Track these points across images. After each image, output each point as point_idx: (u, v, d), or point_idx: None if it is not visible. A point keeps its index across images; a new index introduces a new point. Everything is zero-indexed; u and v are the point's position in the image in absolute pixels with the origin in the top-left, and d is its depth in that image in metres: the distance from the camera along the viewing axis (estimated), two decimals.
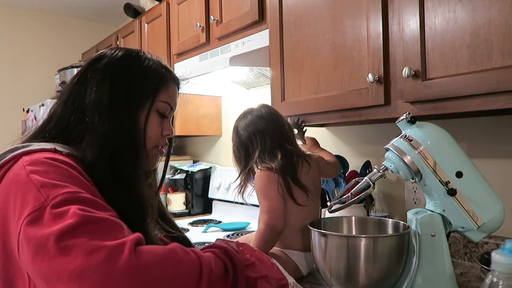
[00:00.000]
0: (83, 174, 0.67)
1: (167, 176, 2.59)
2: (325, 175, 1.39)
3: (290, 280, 0.75)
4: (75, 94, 0.78)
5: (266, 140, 1.23)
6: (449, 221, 0.92)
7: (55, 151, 0.69)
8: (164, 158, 0.93)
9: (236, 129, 1.31)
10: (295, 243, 1.19)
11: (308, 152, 1.33)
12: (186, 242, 0.91)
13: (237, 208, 2.17)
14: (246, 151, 1.26)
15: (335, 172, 1.42)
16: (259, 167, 1.22)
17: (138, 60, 0.82)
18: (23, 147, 0.70)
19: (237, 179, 1.29)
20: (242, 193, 1.28)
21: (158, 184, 0.95)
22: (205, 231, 1.92)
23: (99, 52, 0.83)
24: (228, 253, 0.66)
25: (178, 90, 0.90)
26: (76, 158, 0.71)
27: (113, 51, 0.82)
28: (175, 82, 0.88)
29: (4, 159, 0.68)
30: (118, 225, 0.58)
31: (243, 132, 1.27)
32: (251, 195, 1.28)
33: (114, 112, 0.75)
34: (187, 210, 2.44)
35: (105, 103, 0.75)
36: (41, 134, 0.78)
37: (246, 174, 1.28)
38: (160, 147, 0.86)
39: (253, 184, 1.26)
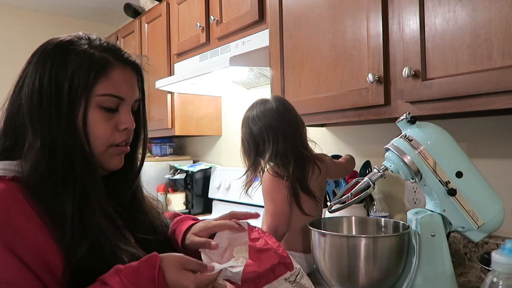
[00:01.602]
0: (15, 211, 0.61)
1: (167, 176, 2.61)
2: (332, 177, 1.36)
3: (297, 265, 0.75)
4: (15, 98, 0.70)
5: (279, 141, 1.16)
6: (449, 221, 0.92)
7: None
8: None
9: (247, 120, 1.21)
10: (298, 245, 1.19)
11: (319, 153, 1.28)
12: (159, 247, 0.80)
13: (237, 208, 2.17)
14: (256, 147, 1.19)
15: (341, 174, 1.40)
16: (268, 168, 1.17)
17: (69, 50, 0.69)
18: None
19: (243, 175, 1.22)
20: (247, 190, 1.22)
21: (130, 184, 0.83)
22: None
23: (42, 44, 0.72)
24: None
25: (139, 72, 0.77)
26: (22, 180, 0.64)
27: (47, 43, 0.71)
28: (127, 65, 0.74)
29: None
30: None
31: (255, 127, 1.18)
32: (255, 195, 1.24)
33: (45, 119, 0.66)
34: (187, 210, 2.45)
35: (35, 109, 0.67)
36: None
37: (253, 171, 1.21)
38: (120, 144, 0.74)
39: (258, 179, 1.21)
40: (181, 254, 0.68)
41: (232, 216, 0.83)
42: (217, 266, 0.70)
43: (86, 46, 0.70)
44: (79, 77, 0.68)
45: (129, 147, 0.77)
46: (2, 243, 0.59)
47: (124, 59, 0.74)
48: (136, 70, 0.77)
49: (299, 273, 0.74)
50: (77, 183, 0.67)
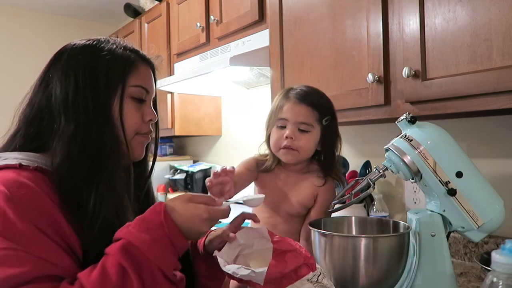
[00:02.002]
0: (41, 198, 0.64)
1: (167, 176, 2.61)
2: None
3: (319, 266, 0.75)
4: (40, 96, 0.75)
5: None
6: (449, 221, 0.92)
7: (20, 167, 0.66)
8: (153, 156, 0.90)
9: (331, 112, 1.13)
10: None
11: None
12: None
13: (237, 208, 2.17)
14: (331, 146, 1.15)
15: None
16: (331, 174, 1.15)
17: (99, 48, 0.76)
18: None
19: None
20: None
21: (149, 173, 0.90)
22: None
23: (62, 47, 0.79)
24: (124, 248, 0.62)
25: (153, 71, 0.85)
26: (45, 171, 0.68)
27: (73, 44, 0.78)
28: (147, 63, 0.82)
29: None
30: None
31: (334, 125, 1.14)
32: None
33: (81, 108, 0.71)
34: None
35: (71, 100, 0.71)
36: (12, 143, 0.75)
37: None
38: (145, 134, 0.81)
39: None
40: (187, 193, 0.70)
41: (243, 217, 0.85)
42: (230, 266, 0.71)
43: (114, 46, 0.78)
44: (114, 70, 0.75)
45: (149, 138, 0.83)
46: (32, 224, 0.61)
47: (145, 58, 0.82)
48: (152, 68, 0.84)
49: (320, 273, 0.73)
50: (106, 170, 0.71)
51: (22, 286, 0.57)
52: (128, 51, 0.79)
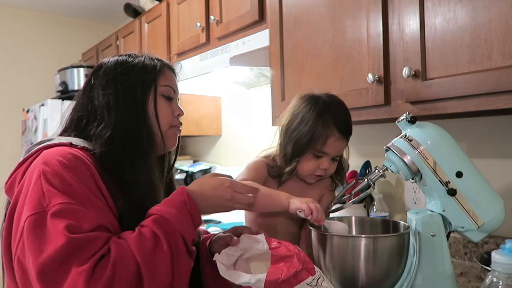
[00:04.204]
0: (90, 167, 0.76)
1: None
2: None
3: (318, 269, 0.75)
4: (85, 101, 0.88)
5: None
6: (449, 221, 0.92)
7: (70, 145, 0.79)
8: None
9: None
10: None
11: None
12: None
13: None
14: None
15: None
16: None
17: (130, 60, 0.91)
18: (47, 141, 0.82)
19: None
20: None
21: (172, 163, 1.04)
22: None
23: (98, 63, 0.94)
24: (156, 219, 0.73)
25: (175, 74, 0.99)
26: (89, 150, 0.81)
27: (108, 59, 0.93)
28: (169, 68, 0.97)
29: (31, 151, 0.79)
30: (92, 242, 0.67)
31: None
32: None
33: (122, 108, 0.85)
34: None
35: (113, 101, 0.85)
36: (63, 135, 0.88)
37: None
38: (176, 126, 0.94)
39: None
40: None
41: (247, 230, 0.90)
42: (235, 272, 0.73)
43: (142, 58, 0.92)
44: (146, 74, 0.90)
45: (180, 130, 0.97)
46: (85, 187, 0.72)
47: (167, 64, 0.97)
48: (174, 73, 0.98)
49: (320, 276, 0.74)
50: (142, 155, 0.84)
51: (85, 233, 0.67)
52: (154, 60, 0.94)
